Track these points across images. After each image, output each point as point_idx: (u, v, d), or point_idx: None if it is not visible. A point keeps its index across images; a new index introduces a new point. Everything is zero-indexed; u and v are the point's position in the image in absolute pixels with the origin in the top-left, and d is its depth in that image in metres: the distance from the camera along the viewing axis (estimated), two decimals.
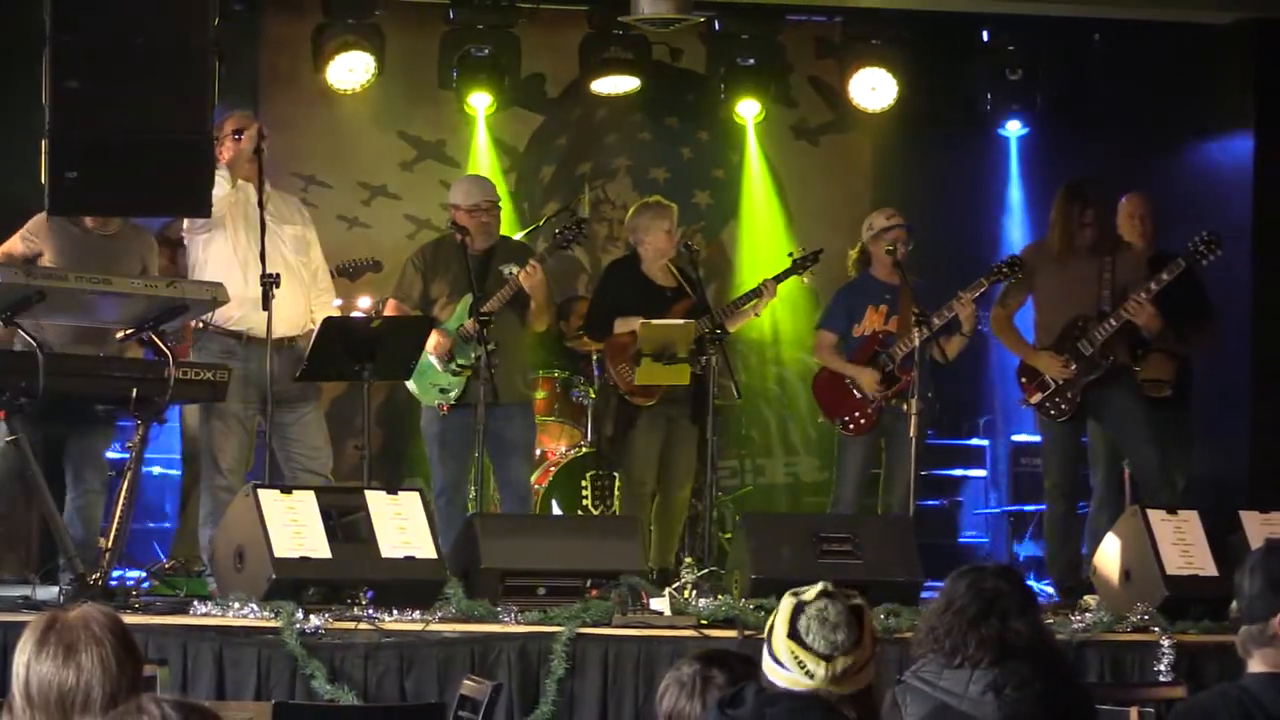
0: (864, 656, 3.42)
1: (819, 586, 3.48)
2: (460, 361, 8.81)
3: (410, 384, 8.90)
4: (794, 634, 3.41)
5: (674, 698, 3.62)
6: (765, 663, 3.48)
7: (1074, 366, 8.97)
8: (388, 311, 9.05)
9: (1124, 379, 8.96)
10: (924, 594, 7.78)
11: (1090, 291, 9.00)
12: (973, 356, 10.33)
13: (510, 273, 8.84)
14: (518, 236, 9.91)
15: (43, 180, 7.05)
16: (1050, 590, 9.03)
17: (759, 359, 11.59)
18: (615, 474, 9.70)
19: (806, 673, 3.38)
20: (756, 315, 9.42)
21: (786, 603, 3.48)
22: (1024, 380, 9.18)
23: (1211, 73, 10.67)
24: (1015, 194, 11.84)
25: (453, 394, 8.84)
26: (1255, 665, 3.84)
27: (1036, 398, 9.10)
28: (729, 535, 9.52)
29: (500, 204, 9.12)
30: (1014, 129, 11.53)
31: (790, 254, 9.48)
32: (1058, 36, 11.15)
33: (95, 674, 3.23)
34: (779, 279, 9.35)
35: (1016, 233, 11.59)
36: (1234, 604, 3.88)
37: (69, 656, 3.24)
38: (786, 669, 3.41)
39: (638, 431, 9.23)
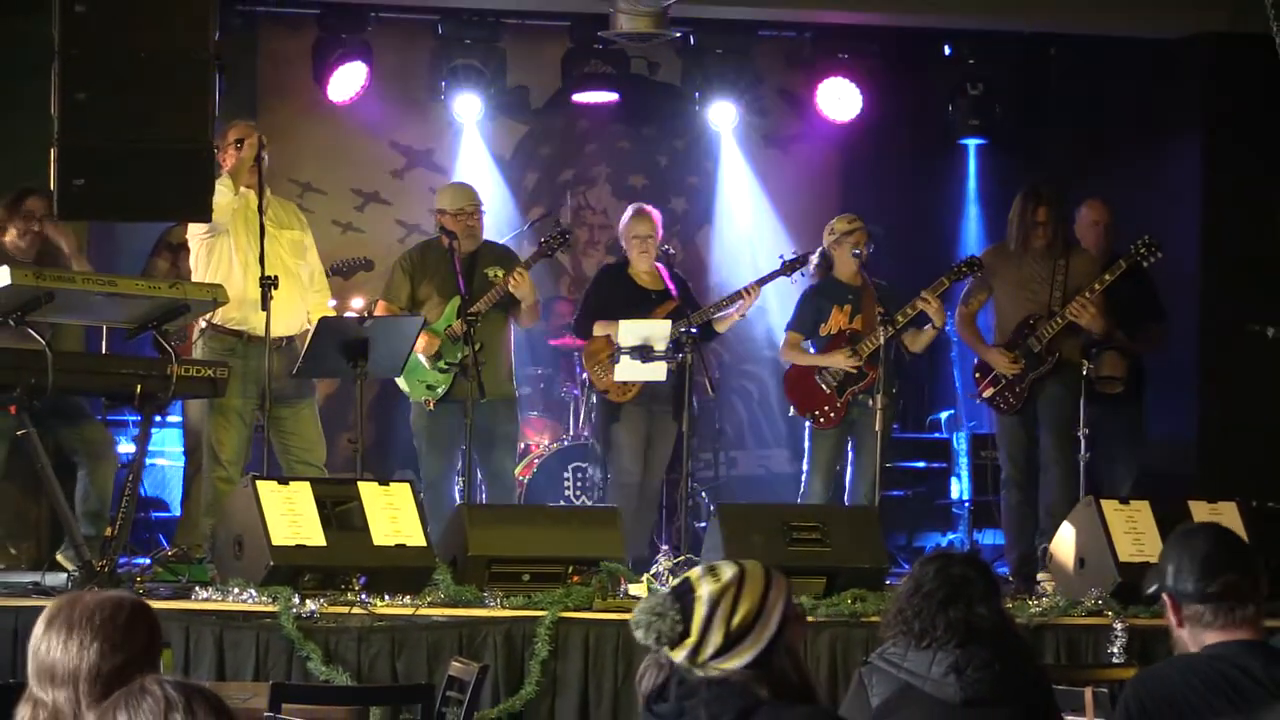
0: (714, 640, 3.24)
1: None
2: (448, 360, 8.99)
3: (400, 381, 9.07)
4: None
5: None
6: None
7: (1022, 363, 9.20)
8: (378, 312, 9.18)
9: (1066, 375, 9.10)
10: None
11: (1043, 291, 9.22)
12: (935, 353, 10.52)
13: (495, 275, 9.04)
14: (504, 241, 10.05)
15: (51, 187, 7.25)
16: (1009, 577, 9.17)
17: (732, 356, 11.76)
18: (596, 466, 9.83)
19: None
20: (742, 316, 9.52)
21: None
22: (978, 375, 9.43)
23: (1164, 85, 10.80)
24: (973, 201, 12.01)
25: (440, 390, 9.00)
26: (1228, 634, 3.78)
27: (988, 392, 9.35)
28: (703, 525, 9.56)
29: (484, 208, 9.27)
30: (973, 139, 11.67)
31: (781, 256, 9.57)
32: (1016, 50, 11.35)
33: (90, 658, 3.24)
34: (764, 281, 9.45)
35: (974, 237, 11.77)
36: (1191, 584, 3.82)
37: (68, 638, 3.26)
38: None
39: (621, 425, 9.39)
